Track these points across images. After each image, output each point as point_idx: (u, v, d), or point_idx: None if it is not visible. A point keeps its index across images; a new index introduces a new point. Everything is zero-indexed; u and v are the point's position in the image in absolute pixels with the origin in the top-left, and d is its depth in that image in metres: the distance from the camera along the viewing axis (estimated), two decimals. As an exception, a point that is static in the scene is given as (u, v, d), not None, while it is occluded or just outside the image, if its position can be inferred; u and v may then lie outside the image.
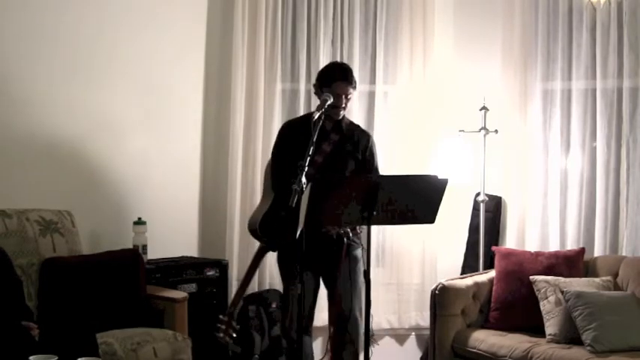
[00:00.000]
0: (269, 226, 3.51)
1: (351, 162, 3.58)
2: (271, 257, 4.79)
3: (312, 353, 3.77)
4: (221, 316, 3.49)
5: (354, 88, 3.58)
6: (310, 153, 3.12)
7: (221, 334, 3.47)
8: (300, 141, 3.25)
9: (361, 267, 3.60)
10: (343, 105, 3.51)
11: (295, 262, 3.25)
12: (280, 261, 3.71)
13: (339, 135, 3.56)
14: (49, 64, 4.05)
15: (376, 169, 3.68)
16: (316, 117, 3.28)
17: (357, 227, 3.53)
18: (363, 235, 3.34)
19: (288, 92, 4.90)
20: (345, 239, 3.37)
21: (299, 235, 2.96)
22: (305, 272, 3.47)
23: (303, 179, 2.98)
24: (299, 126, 3.60)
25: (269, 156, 4.74)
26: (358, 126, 3.79)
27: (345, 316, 3.49)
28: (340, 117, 3.57)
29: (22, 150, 3.95)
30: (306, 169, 3.05)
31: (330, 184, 2.97)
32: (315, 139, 3.18)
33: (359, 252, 3.60)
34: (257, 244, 4.69)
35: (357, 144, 3.61)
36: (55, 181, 4.08)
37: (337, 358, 3.56)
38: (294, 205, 2.89)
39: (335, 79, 3.51)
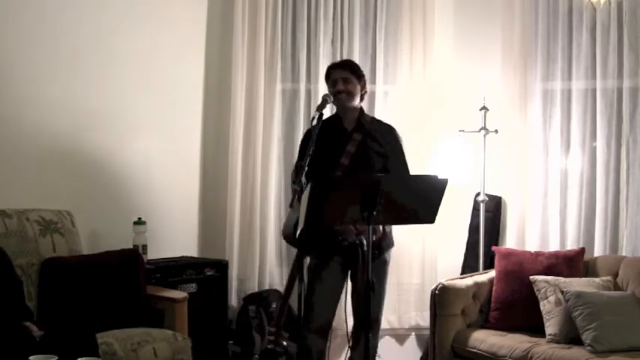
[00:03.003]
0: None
1: (378, 160, 3.54)
2: (271, 257, 4.81)
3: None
4: (269, 328, 3.50)
5: (355, 74, 3.58)
6: (310, 153, 3.12)
7: (271, 345, 3.47)
8: (323, 144, 3.25)
9: (387, 270, 3.61)
10: (341, 88, 3.50)
11: (327, 259, 3.25)
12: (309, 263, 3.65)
13: (361, 134, 3.55)
14: (49, 64, 4.05)
15: (403, 163, 3.62)
16: (317, 117, 3.29)
17: (386, 229, 3.50)
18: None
19: (288, 92, 4.90)
20: (359, 249, 3.35)
21: (299, 234, 2.96)
22: (330, 271, 3.50)
23: (303, 179, 2.98)
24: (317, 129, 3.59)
25: (269, 156, 4.79)
26: (380, 121, 3.78)
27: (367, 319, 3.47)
28: (352, 106, 3.55)
29: (22, 150, 3.95)
30: (306, 169, 3.05)
31: (329, 183, 2.97)
32: (315, 139, 3.18)
33: (388, 255, 3.60)
34: (255, 244, 4.75)
35: (382, 140, 3.59)
36: (55, 181, 4.08)
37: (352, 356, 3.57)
38: (293, 205, 2.89)
39: (330, 69, 3.64)
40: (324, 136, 3.30)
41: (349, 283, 3.58)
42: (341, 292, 3.59)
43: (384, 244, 3.52)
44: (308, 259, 3.61)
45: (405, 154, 3.66)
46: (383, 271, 3.58)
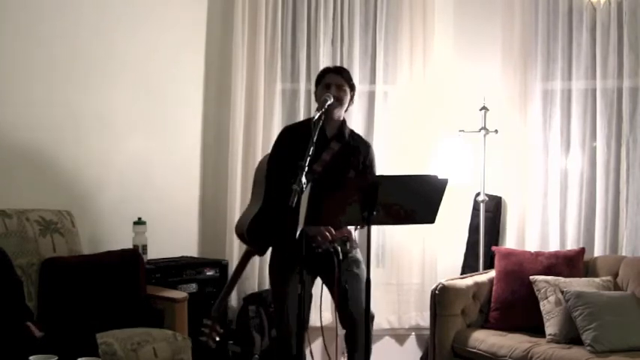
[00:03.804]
0: (257, 230, 3.48)
1: (351, 172, 3.51)
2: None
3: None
4: (205, 320, 3.49)
5: (349, 83, 3.52)
6: (310, 153, 3.11)
7: (204, 338, 3.46)
8: (300, 145, 3.22)
9: (364, 268, 3.58)
10: (334, 94, 3.44)
11: (294, 263, 3.24)
12: (272, 265, 3.60)
13: (339, 144, 3.51)
14: (49, 65, 4.05)
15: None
16: (316, 117, 3.27)
17: (353, 230, 3.49)
18: (363, 235, 3.31)
19: (288, 92, 4.90)
20: (335, 257, 3.33)
21: (299, 235, 2.95)
22: (294, 272, 3.47)
23: (303, 179, 2.97)
24: (298, 130, 3.54)
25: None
26: (359, 135, 3.75)
27: (354, 320, 3.46)
28: (338, 115, 3.50)
29: (22, 150, 3.95)
30: (306, 169, 3.04)
31: (330, 184, 2.97)
32: (315, 140, 3.17)
33: (357, 254, 3.55)
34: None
35: (358, 153, 3.56)
36: (55, 181, 4.08)
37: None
38: (293, 205, 2.89)
39: (325, 72, 3.58)
40: (303, 140, 3.22)
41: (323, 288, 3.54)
42: (311, 292, 3.55)
43: (348, 245, 3.46)
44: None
45: (376, 173, 3.63)
46: (360, 270, 3.50)
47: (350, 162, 3.53)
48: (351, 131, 3.66)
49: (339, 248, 3.34)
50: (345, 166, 3.50)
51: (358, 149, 3.57)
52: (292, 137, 3.54)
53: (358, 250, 3.58)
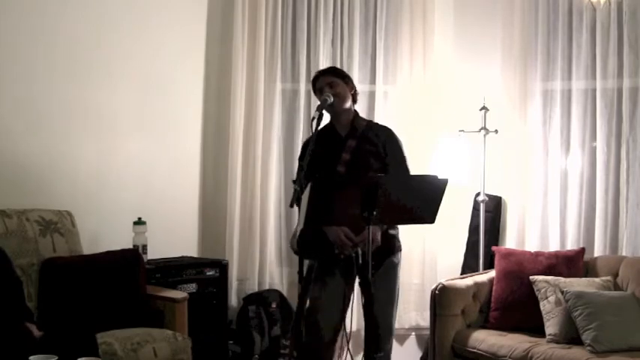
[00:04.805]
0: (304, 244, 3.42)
1: (374, 162, 3.48)
2: (271, 257, 4.81)
3: None
4: (283, 341, 3.48)
5: (343, 79, 3.52)
6: (310, 152, 3.12)
7: (286, 359, 3.44)
8: (318, 152, 3.22)
9: (397, 273, 3.55)
10: (329, 93, 3.43)
11: (330, 269, 3.23)
12: (309, 272, 3.48)
13: (355, 140, 3.50)
14: (49, 64, 4.05)
15: (403, 163, 3.54)
16: (317, 117, 3.28)
17: (388, 233, 3.41)
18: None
19: (288, 92, 4.90)
20: (355, 263, 3.25)
21: (299, 236, 2.96)
22: (332, 276, 3.45)
23: (303, 179, 2.97)
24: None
25: (269, 156, 4.79)
26: (377, 123, 3.72)
27: (379, 325, 3.42)
28: (344, 109, 3.49)
29: (22, 150, 3.95)
30: (305, 169, 3.04)
31: (329, 184, 2.97)
32: (315, 140, 3.18)
33: (396, 258, 3.53)
34: (255, 244, 4.74)
35: (377, 142, 3.53)
36: (55, 181, 4.08)
37: None
38: (293, 205, 2.89)
39: (316, 78, 3.58)
40: (319, 145, 3.24)
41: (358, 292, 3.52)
42: (346, 304, 3.52)
43: (385, 249, 3.40)
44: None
45: (405, 153, 3.59)
46: (391, 274, 3.49)
47: (370, 153, 3.50)
48: (368, 122, 3.65)
49: (360, 252, 3.25)
50: (366, 159, 3.48)
51: (375, 136, 3.54)
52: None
53: (399, 254, 3.55)
